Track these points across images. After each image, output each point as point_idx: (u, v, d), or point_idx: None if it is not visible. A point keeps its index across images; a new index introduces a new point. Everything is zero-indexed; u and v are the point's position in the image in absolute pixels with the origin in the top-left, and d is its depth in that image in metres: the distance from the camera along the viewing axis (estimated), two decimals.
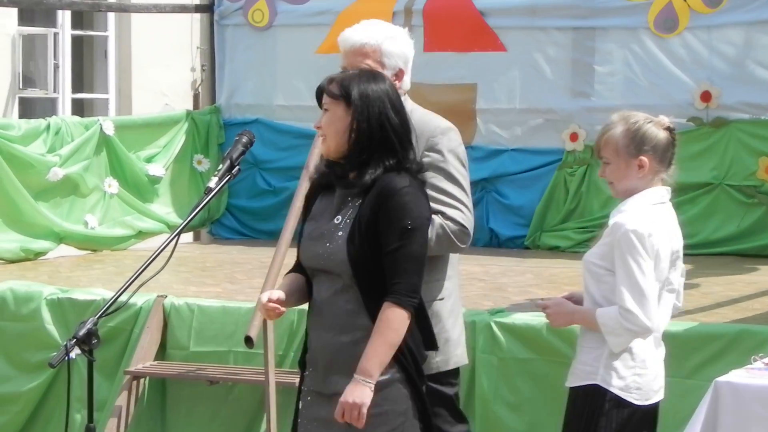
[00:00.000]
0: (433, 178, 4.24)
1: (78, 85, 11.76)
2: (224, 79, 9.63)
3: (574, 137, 8.64)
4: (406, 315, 3.71)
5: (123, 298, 3.82)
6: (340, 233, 3.76)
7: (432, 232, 4.18)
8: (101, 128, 8.23)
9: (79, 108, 11.64)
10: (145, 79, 11.85)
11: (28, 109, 11.22)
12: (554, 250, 8.41)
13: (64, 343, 3.61)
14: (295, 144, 8.98)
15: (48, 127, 7.93)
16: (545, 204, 8.59)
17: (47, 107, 11.45)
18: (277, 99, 9.19)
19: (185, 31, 11.81)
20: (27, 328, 6.05)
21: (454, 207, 4.31)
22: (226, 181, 4.04)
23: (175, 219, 8.63)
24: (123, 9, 9.79)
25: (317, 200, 3.90)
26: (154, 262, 3.84)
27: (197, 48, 11.77)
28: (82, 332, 3.61)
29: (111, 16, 11.67)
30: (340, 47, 4.49)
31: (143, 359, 5.79)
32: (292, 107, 9.23)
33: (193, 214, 4.00)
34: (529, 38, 8.75)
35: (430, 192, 4.16)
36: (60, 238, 7.96)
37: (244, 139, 4.15)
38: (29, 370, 6.04)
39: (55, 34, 11.36)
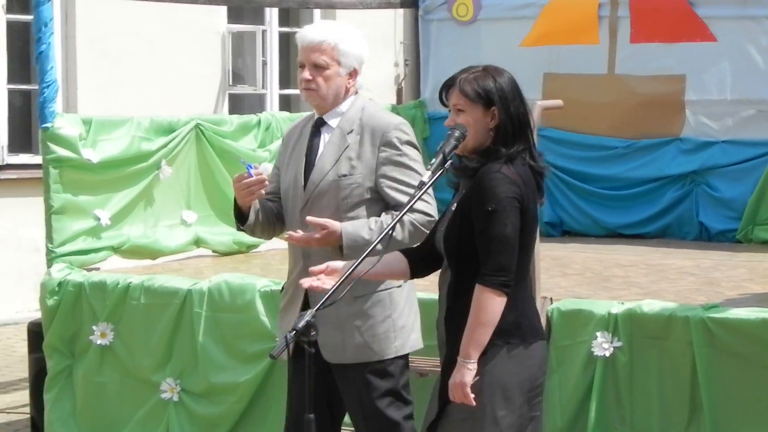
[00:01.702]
0: (392, 171, 4.55)
1: (285, 80, 12.00)
2: (429, 74, 9.66)
3: None
4: (494, 294, 3.87)
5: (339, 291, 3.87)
6: (450, 216, 4.04)
7: (403, 231, 4.48)
8: None
9: (286, 103, 11.88)
10: None
11: (237, 104, 11.51)
12: (767, 244, 8.19)
13: (285, 334, 3.67)
14: None
15: (259, 122, 8.07)
16: (758, 197, 8.36)
17: (255, 103, 11.72)
18: None
19: (389, 26, 11.93)
20: (242, 319, 6.16)
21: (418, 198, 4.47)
22: (439, 175, 4.05)
23: None
24: (330, 5, 9.91)
25: (457, 191, 4.12)
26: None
27: (400, 43, 11.86)
28: (301, 324, 3.67)
29: (317, 13, 11.85)
30: (298, 44, 4.68)
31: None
32: None
33: (408, 206, 4.03)
34: (740, 28, 8.53)
35: (392, 185, 4.54)
36: None
37: (457, 133, 4.14)
38: (246, 361, 6.16)
39: (263, 32, 11.63)
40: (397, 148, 4.57)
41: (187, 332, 6.26)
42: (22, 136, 10.67)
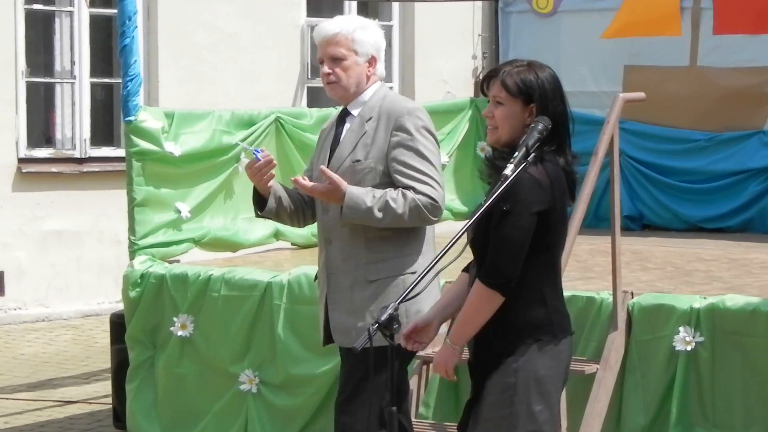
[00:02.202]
0: (402, 155, 4.60)
1: None
2: None
3: None
4: (488, 293, 3.88)
5: (421, 284, 3.88)
6: (480, 211, 3.99)
7: (405, 206, 4.56)
8: None
9: None
10: (428, 67, 12.01)
11: (315, 98, 11.55)
12: None
13: (368, 328, 3.68)
14: (579, 130, 8.67)
15: None
16: None
17: None
18: None
19: (467, 19, 11.91)
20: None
21: (424, 182, 4.59)
22: (521, 168, 4.02)
23: (458, 206, 8.67)
24: None
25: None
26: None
27: (479, 36, 11.83)
28: (384, 317, 3.67)
29: (395, 6, 11.86)
30: (315, 40, 4.79)
31: (433, 344, 5.82)
32: (576, 93, 9.12)
33: (490, 200, 4.00)
34: None
35: (400, 169, 4.58)
36: None
37: (540, 126, 4.11)
38: (324, 353, 6.15)
39: None
40: (409, 133, 4.62)
41: (266, 324, 6.30)
42: (104, 129, 10.80)
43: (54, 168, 10.28)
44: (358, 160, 4.65)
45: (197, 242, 7.09)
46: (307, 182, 4.64)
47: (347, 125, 4.76)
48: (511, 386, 3.90)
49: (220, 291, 6.42)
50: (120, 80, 6.75)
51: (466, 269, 4.14)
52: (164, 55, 10.51)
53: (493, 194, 3.89)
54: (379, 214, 4.56)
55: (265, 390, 6.30)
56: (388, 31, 12.10)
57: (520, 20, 9.48)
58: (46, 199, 10.23)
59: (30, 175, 10.14)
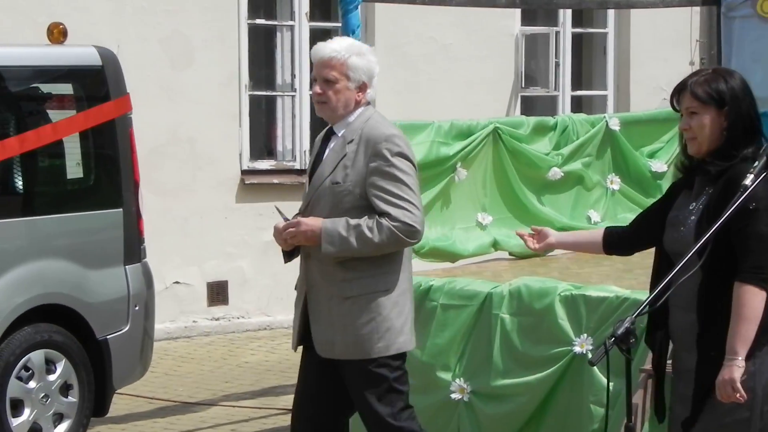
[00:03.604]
0: (379, 181, 4.78)
1: (577, 82, 11.93)
2: None
3: None
4: (756, 290, 3.93)
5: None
6: (693, 218, 4.08)
7: (381, 235, 4.74)
8: (607, 125, 8.25)
9: (577, 105, 11.81)
10: (643, 74, 11.84)
11: (528, 107, 11.53)
12: None
13: (604, 341, 3.66)
14: None
15: (555, 124, 8.03)
16: None
17: (546, 105, 11.70)
18: None
19: (684, 24, 11.70)
20: (540, 322, 6.15)
21: (400, 207, 4.76)
22: (762, 178, 3.96)
23: None
24: (630, 5, 9.76)
25: (682, 192, 4.22)
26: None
27: (696, 41, 11.61)
28: (620, 331, 3.65)
29: (610, 13, 11.74)
30: (312, 58, 4.96)
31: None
32: None
33: (730, 210, 3.91)
34: None
35: (377, 194, 4.74)
36: None
37: None
38: (540, 364, 6.12)
39: (557, 33, 11.59)
40: (385, 159, 4.79)
41: (483, 334, 6.29)
42: None
43: (275, 179, 10.52)
44: (337, 183, 4.85)
45: (417, 252, 7.12)
46: (286, 241, 4.90)
47: (331, 144, 4.95)
48: (751, 389, 3.97)
49: (439, 300, 6.46)
50: None
51: (609, 228, 4.44)
52: (381, 66, 10.58)
53: (734, 204, 3.88)
54: (356, 245, 4.75)
55: (476, 399, 6.27)
56: (602, 38, 11.98)
57: (743, 25, 9.24)
58: (268, 210, 10.44)
59: (252, 186, 10.40)
